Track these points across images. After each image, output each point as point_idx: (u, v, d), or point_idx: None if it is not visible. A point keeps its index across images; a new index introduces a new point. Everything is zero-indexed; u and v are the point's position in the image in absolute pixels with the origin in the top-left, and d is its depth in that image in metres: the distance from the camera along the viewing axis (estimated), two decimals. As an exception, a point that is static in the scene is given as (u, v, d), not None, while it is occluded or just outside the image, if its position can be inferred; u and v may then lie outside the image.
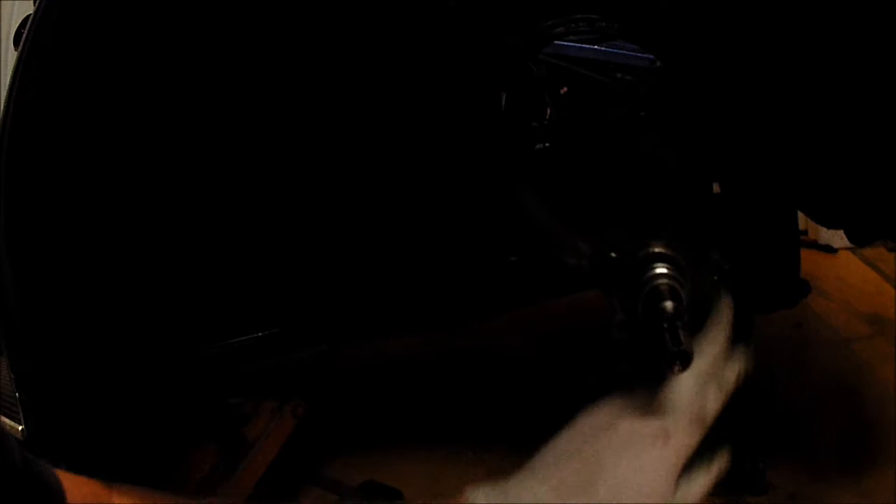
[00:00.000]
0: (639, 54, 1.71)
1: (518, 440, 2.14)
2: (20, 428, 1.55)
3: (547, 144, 1.76)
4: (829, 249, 3.23)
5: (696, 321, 1.37)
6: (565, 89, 1.75)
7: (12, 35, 1.72)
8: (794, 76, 1.56)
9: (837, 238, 3.18)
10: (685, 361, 1.24)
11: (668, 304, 1.26)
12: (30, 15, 1.46)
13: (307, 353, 1.84)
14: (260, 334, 1.80)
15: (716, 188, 1.81)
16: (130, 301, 1.63)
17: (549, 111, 1.78)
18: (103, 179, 1.54)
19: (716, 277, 1.49)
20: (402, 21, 1.57)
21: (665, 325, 1.24)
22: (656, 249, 1.35)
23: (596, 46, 1.72)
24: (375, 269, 1.78)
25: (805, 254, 3.11)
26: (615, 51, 1.72)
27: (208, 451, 1.94)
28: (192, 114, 1.58)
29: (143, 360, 1.68)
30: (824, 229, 3.17)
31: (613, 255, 1.38)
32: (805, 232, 3.19)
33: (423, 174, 1.70)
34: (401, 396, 2.43)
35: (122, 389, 1.66)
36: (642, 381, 1.36)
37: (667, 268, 1.32)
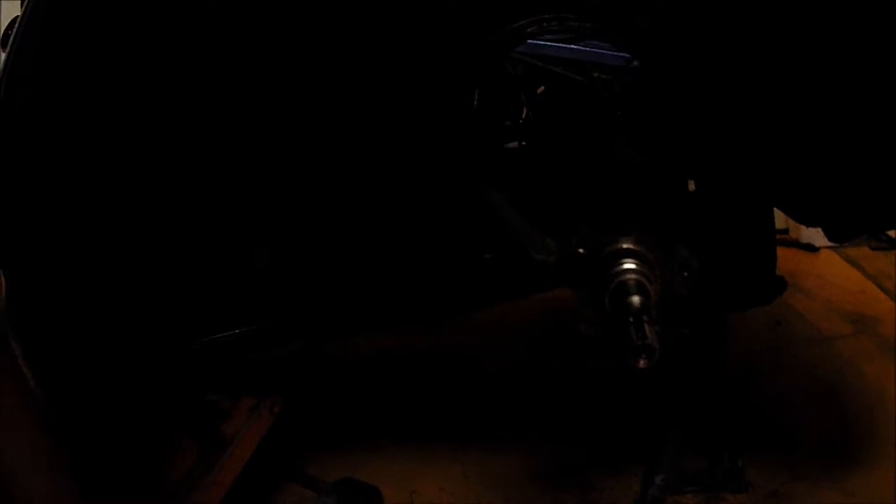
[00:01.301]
0: (615, 53, 1.71)
1: (496, 440, 2.27)
2: None
3: (522, 143, 1.78)
4: (811, 248, 3.24)
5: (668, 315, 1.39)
6: (542, 89, 1.77)
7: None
8: (772, 75, 1.56)
9: (819, 237, 3.20)
10: (650, 355, 1.25)
11: (635, 299, 1.28)
12: (17, 16, 1.49)
13: (285, 349, 1.84)
14: (238, 331, 1.82)
15: (691, 186, 1.81)
16: (116, 297, 1.68)
17: (525, 111, 1.80)
18: (94, 177, 1.57)
19: (686, 273, 1.50)
20: (371, 21, 1.59)
21: (631, 320, 1.25)
22: (624, 245, 1.36)
23: (572, 46, 1.72)
24: (353, 267, 1.79)
25: (786, 252, 3.16)
26: (592, 50, 1.72)
27: (187, 449, 1.92)
28: (169, 116, 1.60)
29: (130, 356, 1.72)
30: (805, 228, 3.16)
31: (581, 251, 1.40)
32: (786, 231, 3.19)
33: (398, 172, 1.71)
34: (379, 395, 2.44)
35: (107, 385, 1.71)
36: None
37: (634, 263, 1.34)
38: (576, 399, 2.35)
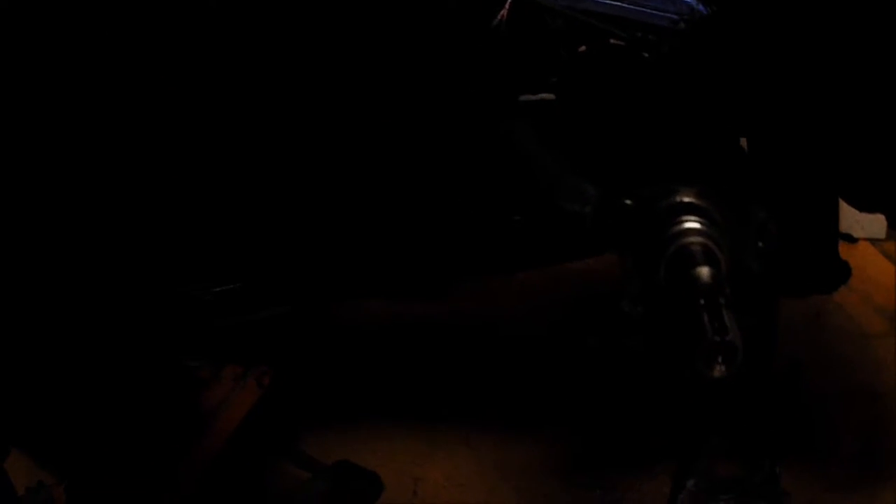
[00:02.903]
0: (663, 13, 1.44)
1: (513, 425, 1.88)
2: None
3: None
4: (849, 239, 2.78)
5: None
6: (584, 48, 1.46)
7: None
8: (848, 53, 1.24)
9: (857, 228, 2.72)
10: (731, 357, 0.77)
11: (704, 272, 0.82)
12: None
13: (271, 312, 1.49)
14: (219, 289, 1.46)
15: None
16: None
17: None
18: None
19: (761, 244, 1.03)
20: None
21: (702, 302, 0.77)
22: (685, 199, 0.91)
23: (618, 3, 1.45)
24: (352, 220, 1.43)
25: (821, 240, 2.75)
26: (638, 8, 1.45)
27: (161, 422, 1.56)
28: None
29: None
30: (844, 217, 2.77)
31: (628, 202, 0.92)
32: (823, 218, 2.78)
33: (411, 111, 1.36)
34: (388, 369, 2.04)
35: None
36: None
37: (699, 222, 0.87)
38: (606, 383, 1.97)
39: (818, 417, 1.95)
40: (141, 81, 1.33)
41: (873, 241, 2.72)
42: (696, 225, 0.89)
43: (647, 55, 1.36)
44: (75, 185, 1.36)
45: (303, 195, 1.40)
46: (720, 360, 0.79)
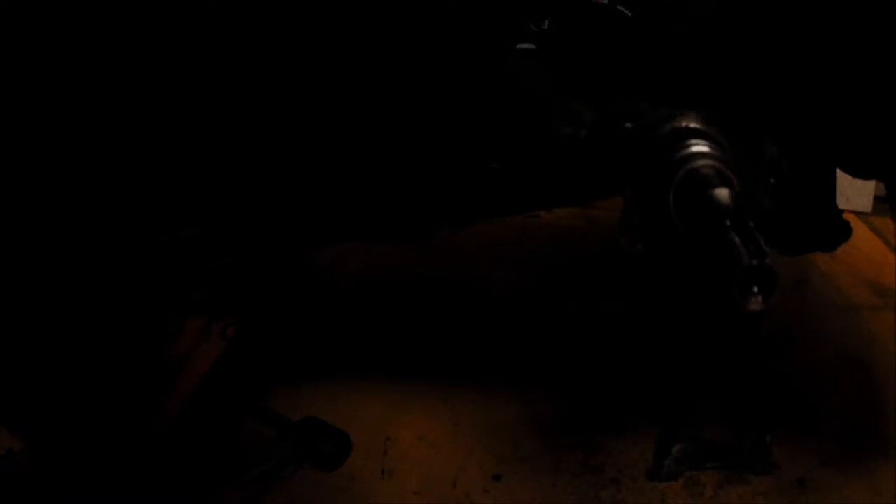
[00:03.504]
0: None
1: (491, 383, 1.76)
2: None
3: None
4: (835, 210, 2.72)
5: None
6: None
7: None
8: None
9: (843, 199, 2.61)
10: (770, 286, 0.65)
11: (723, 192, 0.70)
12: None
13: (235, 258, 1.38)
14: (181, 234, 1.35)
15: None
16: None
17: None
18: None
19: (772, 181, 0.91)
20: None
21: (729, 223, 0.65)
22: (691, 124, 0.78)
23: None
24: (329, 162, 1.31)
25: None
26: None
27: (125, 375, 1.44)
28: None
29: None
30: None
31: (628, 125, 0.81)
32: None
33: (393, 54, 1.23)
34: (363, 322, 1.95)
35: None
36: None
37: (707, 146, 0.75)
38: (590, 343, 1.89)
39: (810, 390, 1.87)
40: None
41: (859, 214, 2.71)
42: (704, 148, 0.78)
43: (629, 14, 1.23)
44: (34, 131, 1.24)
45: (279, 137, 1.28)
46: (758, 287, 0.67)
